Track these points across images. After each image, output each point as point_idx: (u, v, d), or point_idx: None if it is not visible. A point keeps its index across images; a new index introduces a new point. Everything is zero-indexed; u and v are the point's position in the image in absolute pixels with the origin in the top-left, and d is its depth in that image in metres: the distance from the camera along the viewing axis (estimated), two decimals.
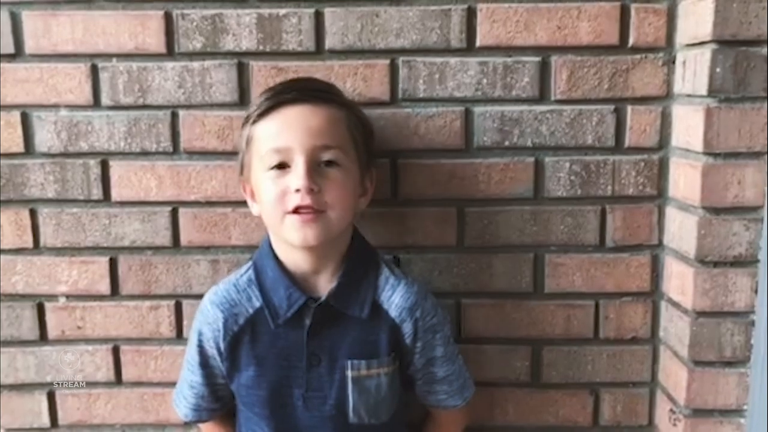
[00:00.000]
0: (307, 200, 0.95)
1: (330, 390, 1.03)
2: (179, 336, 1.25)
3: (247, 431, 1.09)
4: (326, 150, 0.97)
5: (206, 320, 1.06)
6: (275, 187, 0.97)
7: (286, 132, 0.97)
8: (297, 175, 0.95)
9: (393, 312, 1.04)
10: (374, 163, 1.10)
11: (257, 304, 1.03)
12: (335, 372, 1.02)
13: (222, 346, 1.04)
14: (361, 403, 1.03)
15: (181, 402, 1.12)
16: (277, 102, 0.98)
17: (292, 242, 0.99)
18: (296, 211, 0.96)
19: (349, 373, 1.02)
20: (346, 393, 1.02)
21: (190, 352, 1.08)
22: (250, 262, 1.09)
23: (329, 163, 0.97)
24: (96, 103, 1.19)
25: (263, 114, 0.98)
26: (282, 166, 0.97)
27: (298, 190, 0.95)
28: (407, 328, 1.04)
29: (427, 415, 1.19)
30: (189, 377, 1.09)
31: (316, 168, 0.96)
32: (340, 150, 0.98)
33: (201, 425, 1.17)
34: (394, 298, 1.04)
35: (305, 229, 0.96)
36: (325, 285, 1.04)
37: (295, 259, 1.03)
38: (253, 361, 1.04)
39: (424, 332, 1.05)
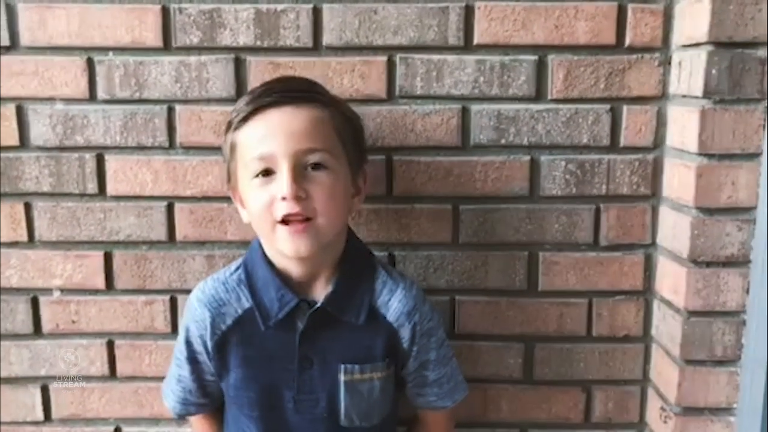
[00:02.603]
0: (295, 208, 0.92)
1: (322, 393, 1.02)
2: (174, 331, 1.25)
3: (236, 430, 1.08)
4: (311, 153, 0.93)
5: (193, 318, 1.04)
6: (262, 195, 0.93)
7: (268, 138, 0.93)
8: (282, 183, 0.91)
9: (391, 317, 1.02)
10: (366, 161, 1.07)
11: (246, 304, 1.01)
12: (327, 375, 1.01)
13: (209, 345, 1.02)
14: (353, 407, 1.02)
15: (169, 395, 1.11)
16: (257, 106, 0.94)
17: (284, 253, 0.96)
18: (285, 221, 0.93)
19: (342, 377, 1.01)
20: (338, 396, 1.01)
21: (178, 347, 1.07)
22: (240, 260, 1.07)
23: (316, 166, 0.93)
24: (92, 97, 1.18)
25: (244, 120, 0.95)
26: (267, 173, 0.93)
27: (284, 198, 0.91)
28: (405, 333, 1.03)
29: (414, 416, 1.18)
30: (176, 371, 1.08)
31: (302, 173, 0.93)
32: (327, 152, 0.94)
33: (190, 418, 1.17)
34: (392, 302, 1.03)
35: (296, 241, 0.93)
36: (319, 289, 1.02)
37: (287, 265, 1.00)
38: (241, 362, 1.02)
39: (420, 336, 1.04)
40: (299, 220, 0.93)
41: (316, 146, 0.93)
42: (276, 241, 0.95)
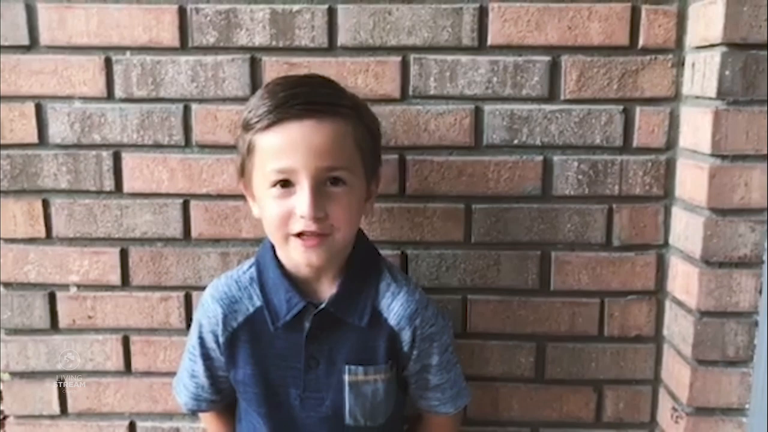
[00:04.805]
0: (312, 227, 0.92)
1: (327, 392, 1.02)
2: (189, 327, 1.26)
3: (246, 424, 1.10)
4: (332, 170, 0.93)
5: (206, 314, 1.05)
6: (279, 207, 0.93)
7: (289, 152, 0.92)
8: (302, 201, 0.91)
9: (392, 320, 1.02)
10: (381, 164, 1.06)
11: (258, 303, 1.03)
12: (333, 375, 1.02)
13: (221, 340, 1.04)
14: (358, 407, 1.03)
15: (182, 390, 1.12)
16: (279, 118, 0.92)
17: (296, 261, 0.98)
18: (300, 234, 0.94)
19: (347, 378, 1.02)
20: (342, 396, 1.02)
21: (192, 342, 1.08)
22: (253, 259, 1.08)
23: (335, 180, 0.94)
24: (109, 96, 1.20)
25: (265, 127, 0.93)
26: (286, 184, 0.93)
27: (303, 217, 0.92)
28: (405, 336, 1.03)
29: (418, 416, 1.17)
30: (190, 366, 1.09)
31: (321, 189, 0.93)
32: (346, 169, 0.94)
33: (201, 415, 1.18)
34: (394, 305, 1.02)
35: (310, 254, 0.95)
36: (325, 289, 1.03)
37: (296, 265, 1.01)
38: (250, 360, 1.03)
39: (421, 341, 1.03)
40: (315, 235, 0.94)
41: (336, 164, 0.93)
42: (289, 250, 0.97)
